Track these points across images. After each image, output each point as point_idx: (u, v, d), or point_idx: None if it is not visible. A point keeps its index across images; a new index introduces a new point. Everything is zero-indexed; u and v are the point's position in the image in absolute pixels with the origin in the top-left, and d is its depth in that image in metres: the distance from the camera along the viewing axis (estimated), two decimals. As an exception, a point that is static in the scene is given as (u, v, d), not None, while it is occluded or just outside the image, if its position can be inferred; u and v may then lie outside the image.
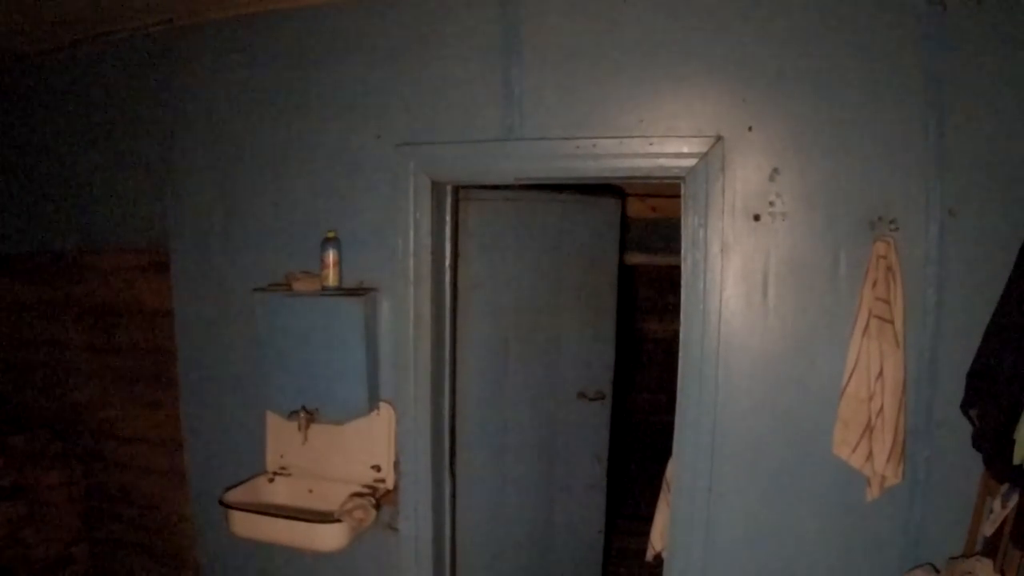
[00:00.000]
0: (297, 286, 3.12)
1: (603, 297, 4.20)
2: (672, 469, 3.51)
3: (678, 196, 2.99)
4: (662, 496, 3.54)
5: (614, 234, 4.18)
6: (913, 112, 2.72)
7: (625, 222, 4.70)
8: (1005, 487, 2.57)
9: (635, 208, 5.55)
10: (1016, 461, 2.33)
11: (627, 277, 5.29)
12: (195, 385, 3.52)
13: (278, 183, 3.29)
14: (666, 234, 5.50)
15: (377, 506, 3.08)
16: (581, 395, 4.13)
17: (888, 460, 2.75)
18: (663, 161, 2.86)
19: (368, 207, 3.17)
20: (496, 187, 3.49)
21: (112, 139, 3.59)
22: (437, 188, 3.12)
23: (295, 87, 3.23)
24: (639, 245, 5.68)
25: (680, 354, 3.02)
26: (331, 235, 3.12)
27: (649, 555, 3.57)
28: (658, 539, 3.52)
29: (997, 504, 2.59)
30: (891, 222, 2.75)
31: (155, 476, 3.64)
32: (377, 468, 3.24)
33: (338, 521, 2.95)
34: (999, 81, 2.68)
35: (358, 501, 3.01)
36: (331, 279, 3.12)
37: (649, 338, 7.54)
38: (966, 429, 2.71)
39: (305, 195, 3.26)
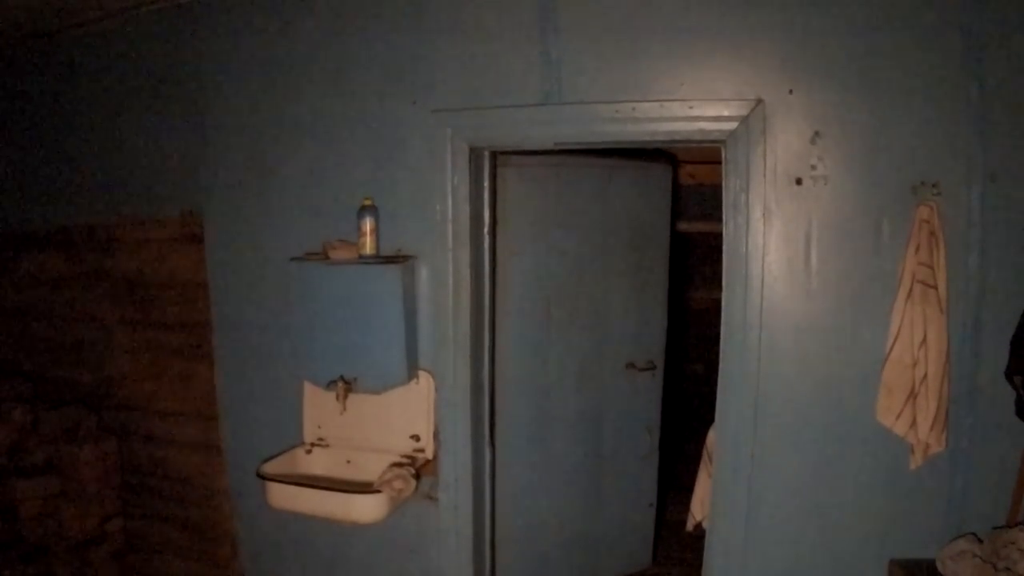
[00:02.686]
0: (334, 255, 3.18)
1: (654, 265, 4.21)
2: (713, 438, 3.53)
3: (715, 162, 3.03)
4: (702, 466, 3.57)
5: (665, 200, 4.19)
6: (954, 75, 2.74)
7: (677, 188, 4.68)
8: None
9: (683, 175, 5.49)
10: None
11: (679, 245, 5.24)
12: (230, 357, 3.59)
13: (313, 151, 3.35)
14: (704, 201, 5.55)
15: (417, 476, 3.14)
16: (631, 365, 4.15)
17: (932, 427, 2.78)
18: (703, 125, 2.90)
19: (405, 174, 3.23)
20: (536, 153, 3.52)
21: (144, 111, 3.66)
22: (475, 154, 3.18)
23: (330, 54, 3.28)
24: (684, 212, 5.63)
25: (722, 320, 3.07)
26: (368, 202, 3.17)
27: (690, 525, 3.61)
28: (699, 509, 3.55)
29: None
30: (933, 186, 2.78)
31: (190, 450, 3.73)
32: (416, 438, 3.30)
33: (377, 491, 3.01)
34: None
35: (397, 471, 3.06)
36: (368, 247, 3.17)
37: (695, 307, 7.49)
38: (1009, 397, 2.75)
39: (341, 163, 3.31)
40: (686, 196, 5.72)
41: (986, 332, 2.82)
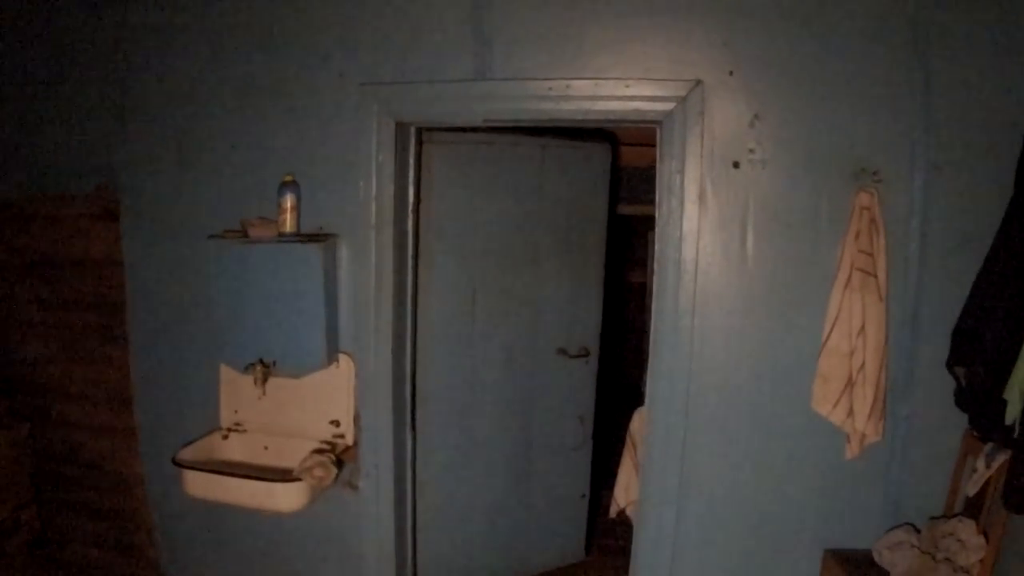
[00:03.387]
0: (253, 232, 2.96)
1: (590, 249, 4.00)
2: (637, 424, 3.44)
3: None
4: (626, 451, 3.47)
5: (603, 182, 3.97)
6: (900, 63, 2.66)
7: (617, 171, 4.49)
8: (988, 447, 2.56)
9: (629, 156, 5.29)
10: (1008, 421, 2.29)
11: (623, 228, 5.05)
12: (146, 339, 3.35)
13: (235, 125, 3.11)
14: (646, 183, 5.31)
15: (338, 463, 2.95)
16: (562, 351, 3.95)
17: (869, 417, 2.71)
18: (639, 104, 2.75)
19: (329, 150, 3.01)
20: (464, 129, 3.33)
21: (60, 80, 3.36)
22: (401, 130, 2.98)
23: (255, 24, 3.05)
24: (632, 195, 5.43)
25: (653, 305, 2.95)
26: (289, 178, 2.96)
27: (613, 511, 3.52)
28: (622, 495, 3.46)
29: (981, 464, 2.58)
30: (874, 173, 2.70)
31: (106, 434, 3.48)
32: (336, 423, 3.11)
33: (297, 480, 2.82)
34: (988, 36, 2.63)
35: (318, 458, 2.87)
36: (288, 225, 2.96)
37: (635, 284, 7.26)
38: (947, 387, 2.70)
39: (263, 137, 3.08)
40: (630, 179, 5.52)
41: (924, 322, 2.75)
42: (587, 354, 4.00)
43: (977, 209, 2.66)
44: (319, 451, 2.95)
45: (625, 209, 5.36)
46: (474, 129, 3.26)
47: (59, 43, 3.34)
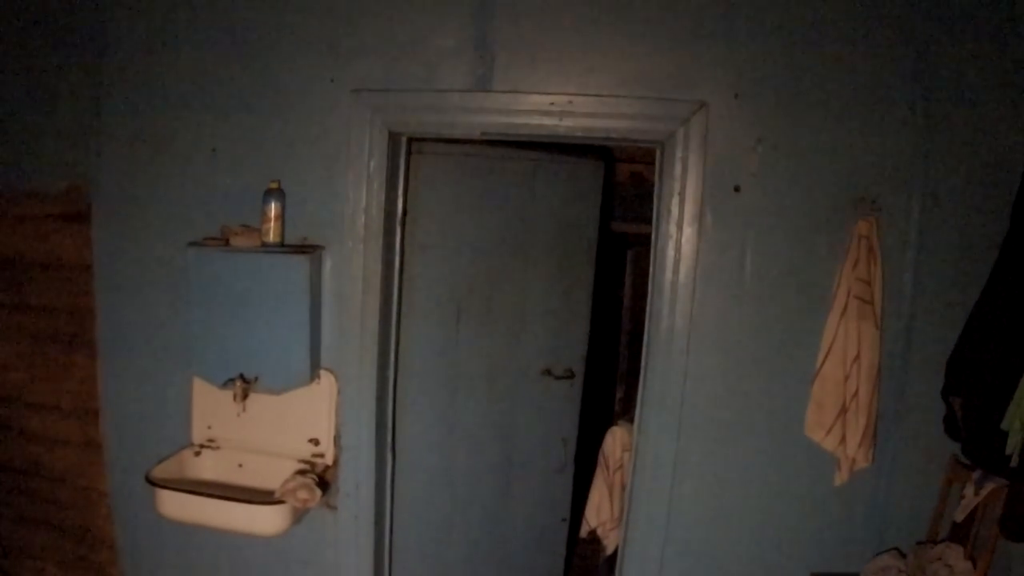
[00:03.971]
0: (235, 241, 2.77)
1: (578, 267, 3.81)
2: (610, 443, 3.35)
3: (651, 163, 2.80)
4: (599, 471, 3.37)
5: (595, 199, 3.79)
6: (903, 93, 2.61)
7: (611, 188, 4.34)
8: (977, 474, 2.55)
9: (624, 173, 5.13)
10: (1008, 451, 2.24)
11: (614, 245, 4.85)
12: (115, 348, 3.11)
13: (217, 127, 2.90)
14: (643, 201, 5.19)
15: (322, 485, 2.76)
16: (546, 372, 3.76)
17: (860, 443, 2.66)
18: (643, 124, 2.65)
19: (316, 157, 2.83)
20: (455, 141, 3.15)
21: (32, 74, 3.11)
22: (394, 139, 2.81)
23: (242, 20, 2.85)
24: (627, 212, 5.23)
25: (647, 328, 2.83)
26: (274, 186, 2.77)
27: (584, 531, 3.43)
28: (593, 515, 3.37)
29: (969, 491, 2.56)
30: (873, 202, 2.64)
31: (69, 447, 3.23)
32: (315, 442, 2.92)
33: (280, 502, 2.63)
34: (989, 68, 2.58)
35: (301, 480, 2.68)
36: (272, 234, 2.77)
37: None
38: (935, 414, 2.65)
39: (247, 141, 2.88)
40: (626, 196, 5.30)
41: (916, 350, 2.71)
42: (572, 376, 3.82)
43: (972, 241, 2.62)
44: (301, 472, 2.76)
45: (621, 227, 5.13)
46: (464, 141, 3.10)
47: (32, 34, 3.08)
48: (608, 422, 3.69)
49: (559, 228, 3.67)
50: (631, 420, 3.48)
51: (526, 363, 3.73)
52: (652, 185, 2.82)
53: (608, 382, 4.73)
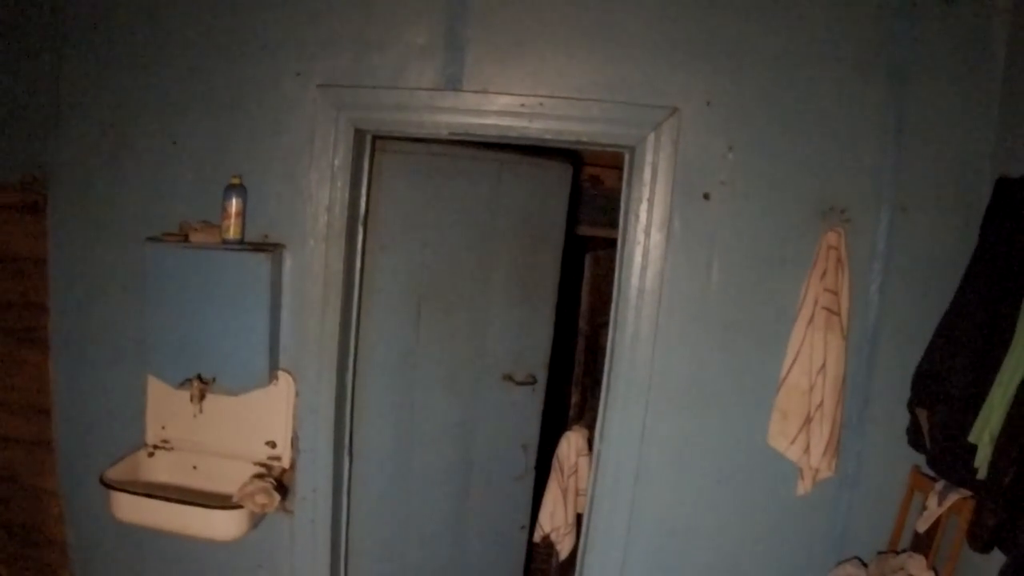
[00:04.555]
0: (195, 237, 2.63)
1: (543, 271, 3.65)
2: (565, 448, 3.24)
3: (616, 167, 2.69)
4: (552, 476, 3.27)
5: (562, 202, 3.65)
6: (874, 104, 2.56)
7: (578, 191, 4.19)
8: (940, 485, 2.52)
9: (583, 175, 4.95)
10: (976, 464, 2.18)
11: (577, 249, 4.68)
12: (68, 344, 2.93)
13: (178, 119, 2.74)
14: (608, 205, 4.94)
15: (280, 489, 2.62)
16: (508, 377, 3.60)
17: (824, 453, 2.59)
18: (614, 128, 2.55)
19: (279, 153, 2.68)
20: (420, 140, 3.00)
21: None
22: (359, 137, 2.68)
23: (204, 13, 2.69)
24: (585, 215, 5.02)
25: (611, 334, 2.73)
26: (236, 181, 2.62)
27: (537, 536, 3.33)
28: (547, 521, 3.27)
29: (933, 502, 2.52)
30: (842, 212, 2.57)
31: (18, 445, 3.04)
32: (272, 444, 2.77)
33: (238, 507, 2.50)
34: (960, 82, 2.54)
35: (259, 484, 2.55)
36: (233, 231, 2.62)
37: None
38: (897, 424, 2.61)
39: (209, 135, 2.73)
40: (584, 198, 5.09)
41: (881, 361, 2.65)
42: (534, 381, 3.67)
43: (940, 253, 2.57)
44: (259, 475, 2.62)
45: (587, 230, 4.94)
46: (430, 140, 2.97)
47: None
48: (563, 426, 3.58)
49: (524, 231, 3.53)
50: (586, 425, 3.40)
51: (487, 367, 3.57)
52: (609, 188, 2.73)
53: (564, 386, 4.64)
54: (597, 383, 3.58)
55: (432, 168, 3.23)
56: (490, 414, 3.62)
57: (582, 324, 3.37)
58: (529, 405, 3.72)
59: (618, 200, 2.74)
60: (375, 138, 2.86)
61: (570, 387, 3.88)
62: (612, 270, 3.65)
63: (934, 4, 2.52)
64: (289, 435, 2.77)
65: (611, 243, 4.49)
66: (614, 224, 2.77)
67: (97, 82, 2.80)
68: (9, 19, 2.88)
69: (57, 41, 2.83)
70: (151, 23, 2.74)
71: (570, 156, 3.66)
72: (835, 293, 2.55)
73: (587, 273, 3.42)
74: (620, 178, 4.46)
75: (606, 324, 3.65)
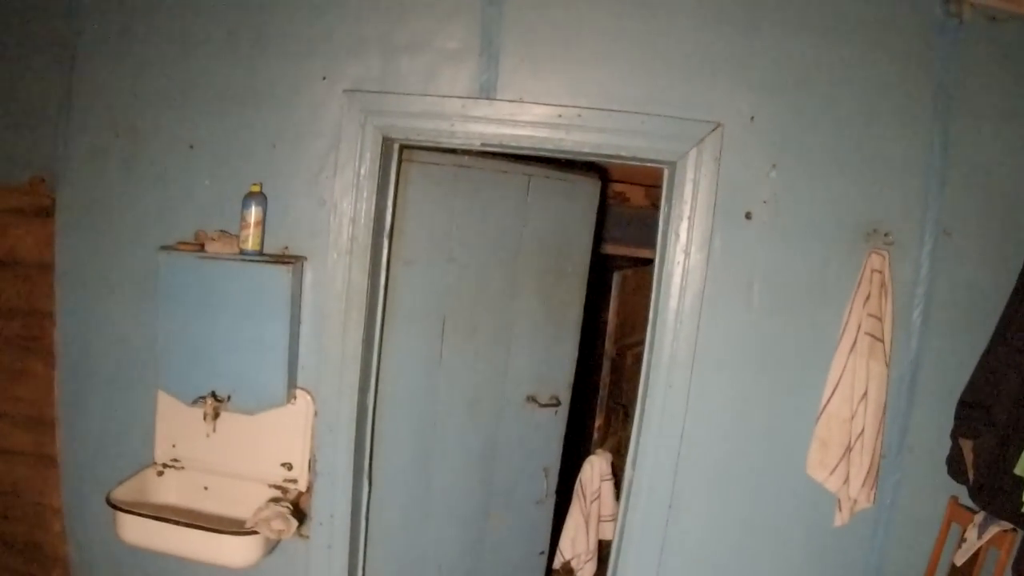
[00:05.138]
0: (211, 247, 2.43)
1: (569, 290, 3.43)
2: (588, 473, 3.07)
3: (647, 184, 2.51)
4: (575, 501, 3.09)
5: (589, 218, 3.43)
6: (920, 123, 2.39)
7: (604, 207, 3.92)
8: (980, 517, 2.39)
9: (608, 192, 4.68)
10: None
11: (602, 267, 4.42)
12: (76, 355, 2.71)
13: (196, 122, 2.54)
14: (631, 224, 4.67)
15: (296, 514, 2.42)
16: (531, 399, 3.38)
17: (863, 484, 2.44)
18: (655, 142, 2.36)
19: (302, 161, 2.49)
20: (448, 150, 2.80)
21: (-1, 55, 2.75)
22: (386, 146, 2.48)
23: (228, 10, 2.49)
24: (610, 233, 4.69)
25: (647, 357, 2.54)
26: (255, 189, 2.44)
27: (557, 563, 3.15)
28: (568, 547, 3.10)
29: (972, 534, 2.39)
30: (886, 234, 2.41)
31: (21, 459, 2.83)
32: (288, 466, 2.57)
33: (252, 532, 2.29)
34: (1007, 102, 2.39)
35: (276, 509, 2.34)
36: (252, 242, 2.43)
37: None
38: (936, 454, 2.46)
39: (228, 140, 2.53)
40: (609, 215, 4.77)
41: (920, 389, 2.48)
42: (558, 403, 3.44)
43: (984, 278, 2.42)
44: (275, 499, 2.42)
45: (611, 249, 4.59)
46: (458, 151, 2.77)
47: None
48: (583, 449, 3.39)
49: (551, 247, 3.31)
50: (610, 449, 3.22)
51: (511, 388, 3.34)
52: (637, 206, 2.55)
53: (585, 408, 4.42)
54: (622, 406, 3.41)
55: (459, 180, 3.01)
56: (512, 437, 3.39)
57: (608, 346, 3.18)
58: (552, 428, 3.50)
59: (645, 218, 2.59)
60: (402, 147, 2.64)
61: (592, 409, 3.67)
62: (641, 290, 3.48)
63: (980, 22, 2.37)
64: (307, 457, 2.56)
65: (637, 262, 4.29)
66: (641, 242, 2.61)
67: (111, 80, 2.60)
68: (20, 10, 2.67)
69: (70, 35, 2.62)
70: (170, 19, 2.54)
71: (598, 171, 3.47)
72: (879, 318, 2.39)
73: (615, 293, 3.22)
74: (647, 195, 4.40)
75: (633, 346, 3.50)
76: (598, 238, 3.79)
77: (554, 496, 3.60)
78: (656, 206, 4.46)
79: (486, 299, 3.20)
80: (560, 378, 3.46)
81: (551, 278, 3.34)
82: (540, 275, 3.30)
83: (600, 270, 4.23)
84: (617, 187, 4.34)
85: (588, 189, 3.38)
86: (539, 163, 3.14)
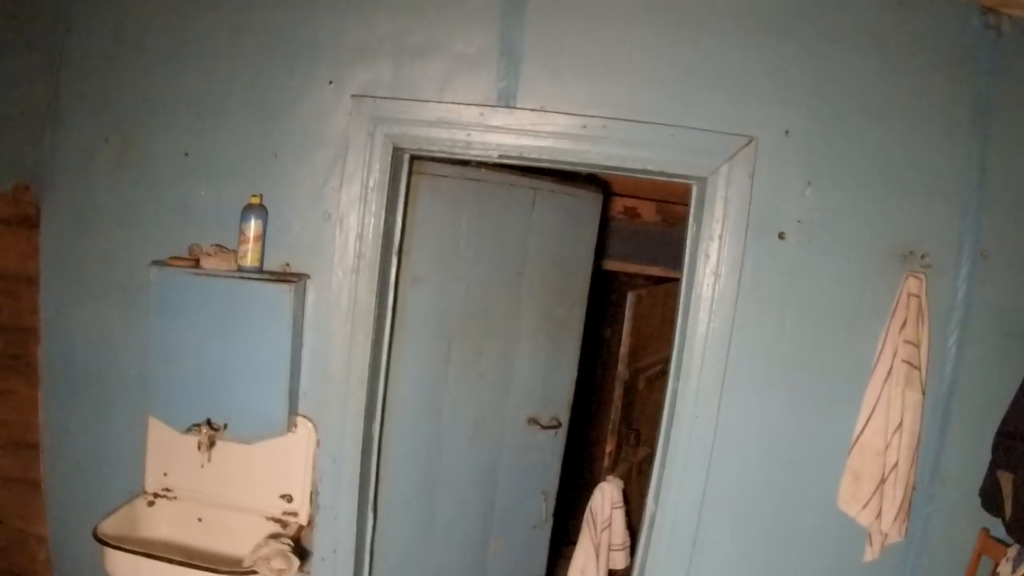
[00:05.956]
0: (207, 263, 2.17)
1: (570, 307, 3.19)
2: (599, 500, 2.82)
3: (654, 199, 2.27)
4: (584, 530, 2.83)
5: (591, 234, 3.20)
6: (958, 139, 2.18)
7: (605, 222, 3.67)
8: (1015, 550, 2.16)
9: (617, 207, 4.34)
10: None
11: (607, 284, 4.18)
12: (61, 375, 2.44)
13: (192, 128, 2.28)
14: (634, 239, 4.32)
15: (298, 551, 2.14)
16: (533, 421, 3.12)
17: (896, 518, 2.22)
18: (685, 157, 2.13)
19: (306, 171, 2.23)
20: (457, 162, 2.54)
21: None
22: (396, 156, 2.23)
23: (229, 8, 2.23)
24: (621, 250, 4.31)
25: (671, 384, 2.30)
26: (255, 200, 2.18)
27: None
28: None
29: (1006, 568, 2.17)
30: (923, 256, 2.19)
31: (3, 485, 2.54)
32: (288, 498, 2.31)
33: (252, 572, 2.03)
34: None
35: (276, 546, 2.07)
36: (251, 257, 2.17)
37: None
38: (968, 486, 2.25)
39: (226, 147, 2.27)
40: (620, 232, 4.37)
41: (954, 417, 2.26)
42: (558, 425, 3.20)
43: (1022, 302, 2.20)
44: (275, 535, 2.14)
45: (619, 266, 4.25)
46: (467, 162, 2.51)
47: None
48: (584, 473, 3.12)
49: (553, 264, 3.06)
50: (620, 475, 2.99)
51: (513, 411, 3.09)
52: (647, 221, 2.31)
53: (588, 430, 4.12)
54: (634, 431, 3.17)
55: (467, 194, 2.74)
56: (514, 460, 3.14)
57: (621, 368, 2.92)
58: (552, 450, 3.26)
59: (656, 234, 2.33)
60: (412, 158, 2.38)
61: (594, 431, 3.40)
62: (654, 310, 3.25)
63: (1019, 36, 2.15)
64: (308, 489, 2.30)
65: (647, 279, 4.01)
66: (651, 260, 2.37)
67: (101, 82, 2.33)
68: (5, 9, 2.39)
69: (58, 32, 2.35)
70: (166, 16, 2.27)
71: (599, 184, 3.23)
72: (916, 345, 2.17)
73: (629, 313, 2.96)
74: (658, 211, 4.13)
75: (646, 368, 3.26)
76: (601, 254, 3.55)
77: (552, 520, 3.35)
78: (667, 222, 4.30)
79: (492, 319, 2.94)
80: (561, 399, 3.23)
81: (553, 296, 3.10)
82: (543, 292, 3.06)
83: (602, 287, 3.99)
84: (627, 202, 4.07)
85: (590, 203, 3.14)
86: (545, 176, 2.89)
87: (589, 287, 3.26)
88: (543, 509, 3.28)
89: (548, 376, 3.16)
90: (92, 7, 2.32)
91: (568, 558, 2.89)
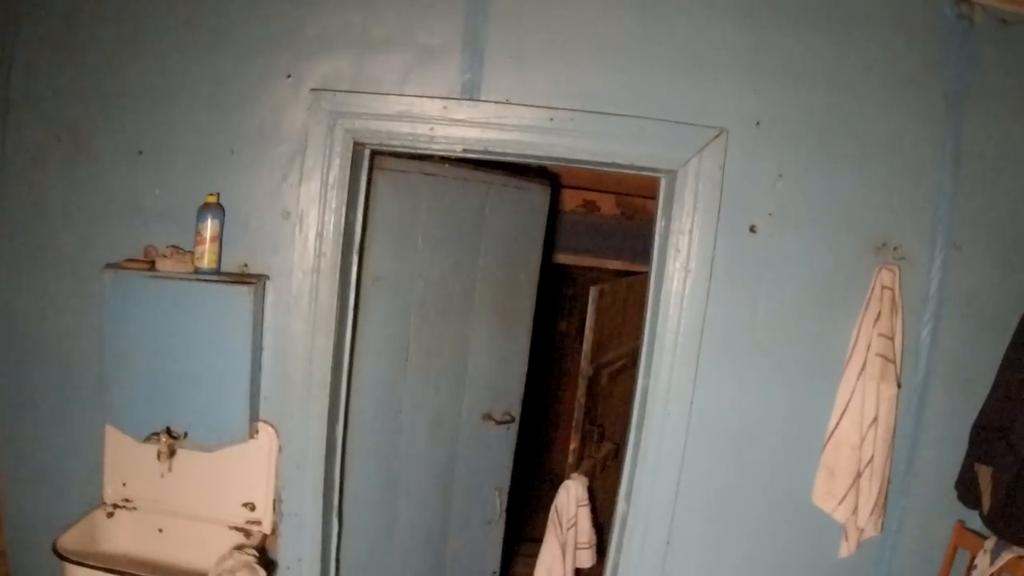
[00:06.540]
0: (162, 265, 2.03)
1: (520, 301, 3.08)
2: (564, 499, 2.73)
3: (607, 191, 2.16)
4: (550, 529, 2.74)
5: (540, 227, 3.08)
6: (930, 129, 2.12)
7: (555, 214, 3.57)
8: (992, 543, 2.12)
9: (574, 200, 4.21)
10: None
11: (561, 278, 4.15)
12: (12, 383, 2.28)
13: (146, 125, 2.13)
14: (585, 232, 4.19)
15: (264, 562, 2.02)
16: (488, 417, 3.00)
17: (872, 513, 2.15)
18: (654, 149, 2.02)
19: (263, 169, 2.10)
20: (411, 156, 2.41)
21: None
22: (357, 151, 2.10)
23: (183, 2, 2.08)
24: (577, 243, 4.19)
25: (641, 383, 2.21)
26: (212, 199, 2.05)
27: None
28: None
29: (983, 560, 2.13)
30: (895, 248, 2.11)
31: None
32: (251, 506, 2.18)
33: (218, 586, 1.90)
34: (1018, 106, 2.11)
35: (240, 558, 1.95)
36: (208, 259, 2.04)
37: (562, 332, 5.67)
38: (944, 479, 2.20)
39: (181, 144, 2.12)
40: (576, 225, 4.20)
41: (928, 410, 2.19)
42: (511, 420, 3.08)
43: (994, 295, 2.14)
44: (240, 546, 2.01)
45: (568, 258, 4.14)
46: (425, 157, 2.39)
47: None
48: (535, 467, 3.00)
49: (505, 256, 2.94)
50: (585, 472, 2.89)
51: (468, 406, 2.97)
52: (607, 215, 2.19)
53: (542, 424, 3.99)
54: (598, 427, 3.07)
55: (424, 189, 2.61)
56: (470, 457, 3.02)
57: (584, 365, 2.81)
58: (505, 445, 3.14)
59: (615, 227, 2.22)
60: (373, 153, 2.24)
61: (547, 425, 3.28)
62: (616, 305, 3.14)
63: (991, 26, 2.08)
64: (271, 496, 2.17)
65: (604, 273, 3.92)
66: (610, 253, 2.26)
67: (52, 78, 2.17)
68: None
69: (8, 26, 2.17)
70: (119, 11, 2.12)
71: (547, 177, 3.12)
72: (890, 338, 2.09)
73: (591, 308, 2.85)
74: (618, 204, 4.02)
75: (608, 364, 3.16)
76: (551, 247, 3.45)
77: (504, 516, 3.23)
78: (627, 215, 4.22)
79: (449, 315, 2.82)
80: (512, 392, 3.12)
81: (506, 289, 2.98)
82: (495, 286, 2.94)
83: (554, 280, 3.87)
84: (587, 195, 3.98)
85: (539, 196, 3.02)
86: (497, 170, 2.78)
87: (539, 280, 3.13)
88: (496, 505, 3.17)
89: (500, 371, 3.05)
90: (41, 3, 2.15)
91: (525, 555, 2.79)
